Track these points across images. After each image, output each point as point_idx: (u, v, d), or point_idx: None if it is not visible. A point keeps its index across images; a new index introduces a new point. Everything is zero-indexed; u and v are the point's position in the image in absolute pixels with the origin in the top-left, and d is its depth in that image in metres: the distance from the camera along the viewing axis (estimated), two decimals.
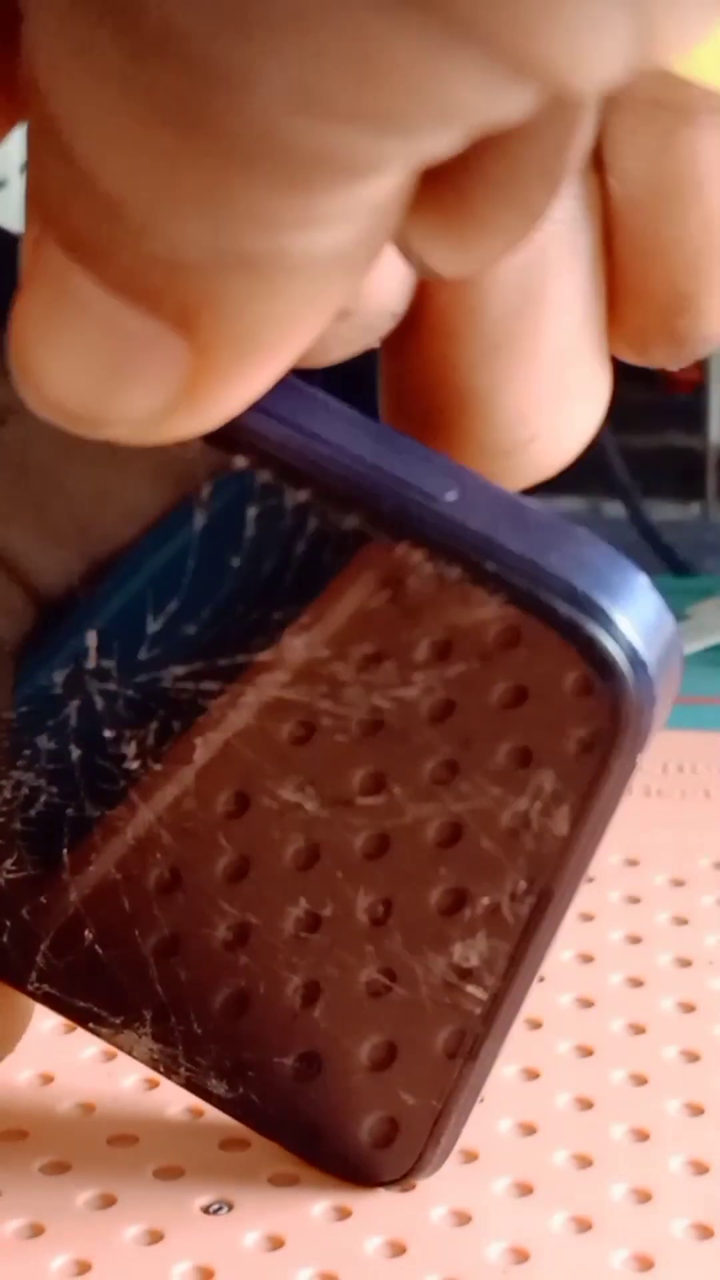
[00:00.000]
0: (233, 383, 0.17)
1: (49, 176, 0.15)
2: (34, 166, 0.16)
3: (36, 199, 0.16)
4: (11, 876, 0.24)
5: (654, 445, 0.65)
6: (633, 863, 0.36)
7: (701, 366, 0.60)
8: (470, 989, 0.23)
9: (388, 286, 0.21)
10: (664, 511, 0.62)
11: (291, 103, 0.14)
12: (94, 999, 0.25)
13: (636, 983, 0.32)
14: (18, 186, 0.57)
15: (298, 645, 0.21)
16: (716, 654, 0.49)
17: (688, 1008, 0.31)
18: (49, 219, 0.16)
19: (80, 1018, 0.25)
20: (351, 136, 0.14)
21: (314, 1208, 0.25)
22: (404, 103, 0.14)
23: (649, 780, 0.40)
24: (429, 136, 0.14)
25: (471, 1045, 0.23)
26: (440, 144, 0.14)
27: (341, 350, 0.21)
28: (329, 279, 0.16)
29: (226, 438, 0.20)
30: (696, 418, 0.60)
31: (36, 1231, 0.25)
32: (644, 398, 0.66)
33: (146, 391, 0.16)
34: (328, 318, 0.16)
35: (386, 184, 0.15)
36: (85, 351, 0.16)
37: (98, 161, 0.15)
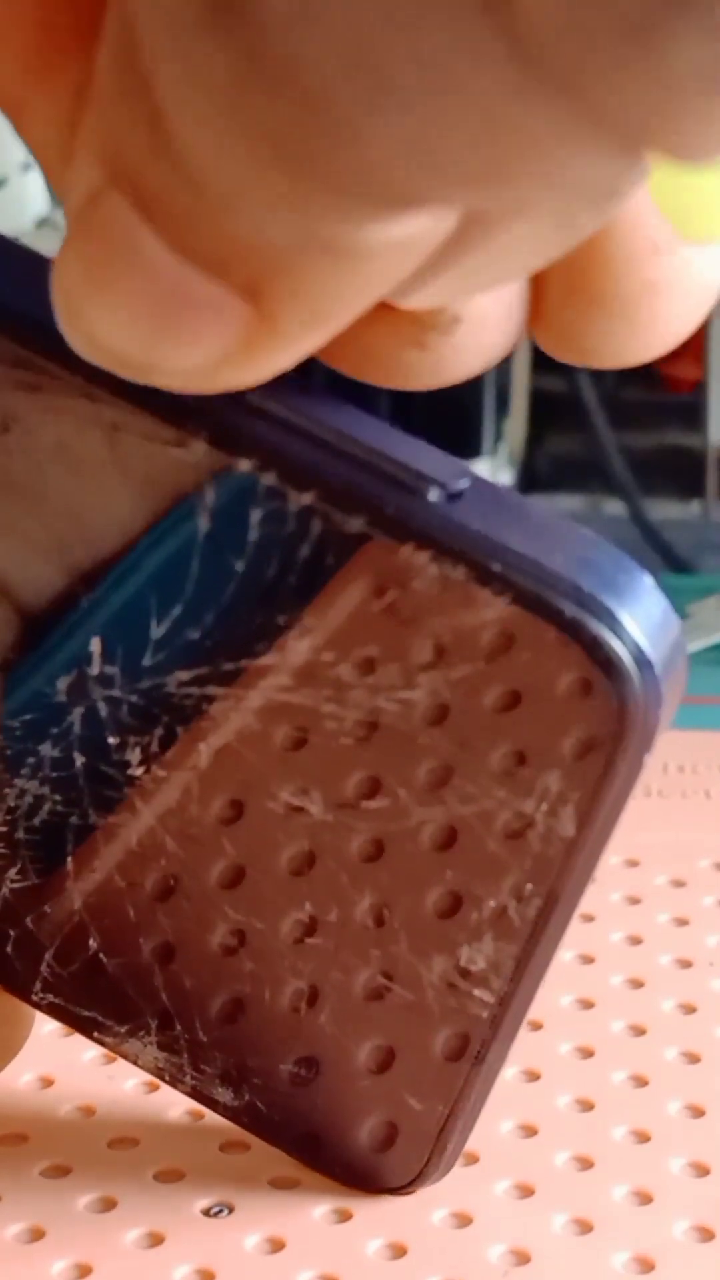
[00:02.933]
0: (290, 347, 0.17)
1: (131, 134, 0.15)
2: (108, 117, 0.15)
3: (106, 148, 0.16)
4: (15, 886, 0.24)
5: (654, 444, 0.65)
6: (633, 863, 0.36)
7: (702, 365, 0.60)
8: (477, 992, 0.23)
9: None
10: (664, 510, 0.62)
11: (402, 157, 0.14)
12: (99, 1008, 0.25)
13: (637, 984, 0.32)
14: (17, 184, 0.57)
15: (301, 648, 0.21)
16: (717, 653, 0.49)
17: (688, 1009, 0.31)
18: (121, 173, 0.16)
19: (85, 1027, 0.25)
20: (455, 191, 0.15)
21: (315, 1210, 0.25)
22: (519, 171, 0.14)
23: (649, 780, 0.40)
24: (534, 196, 0.15)
25: (479, 1049, 0.23)
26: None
27: (460, 369, 0.21)
28: (407, 262, 0.16)
29: (230, 440, 0.20)
30: (696, 416, 0.60)
31: (37, 1235, 0.25)
32: (644, 396, 0.66)
33: (200, 348, 0.16)
34: (386, 291, 0.16)
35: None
36: (143, 304, 0.16)
37: (193, 147, 0.14)
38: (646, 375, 0.66)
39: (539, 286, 0.20)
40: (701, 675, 0.49)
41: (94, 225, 0.16)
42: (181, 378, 0.17)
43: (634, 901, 0.35)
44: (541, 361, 0.61)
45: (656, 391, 0.67)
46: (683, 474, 0.63)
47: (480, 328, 0.20)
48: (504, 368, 0.59)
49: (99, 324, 0.16)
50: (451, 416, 0.58)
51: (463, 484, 0.20)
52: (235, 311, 0.16)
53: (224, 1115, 0.25)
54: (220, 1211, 0.25)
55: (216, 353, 0.16)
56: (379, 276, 0.16)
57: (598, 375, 0.62)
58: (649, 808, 0.39)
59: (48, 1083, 0.28)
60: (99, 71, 0.15)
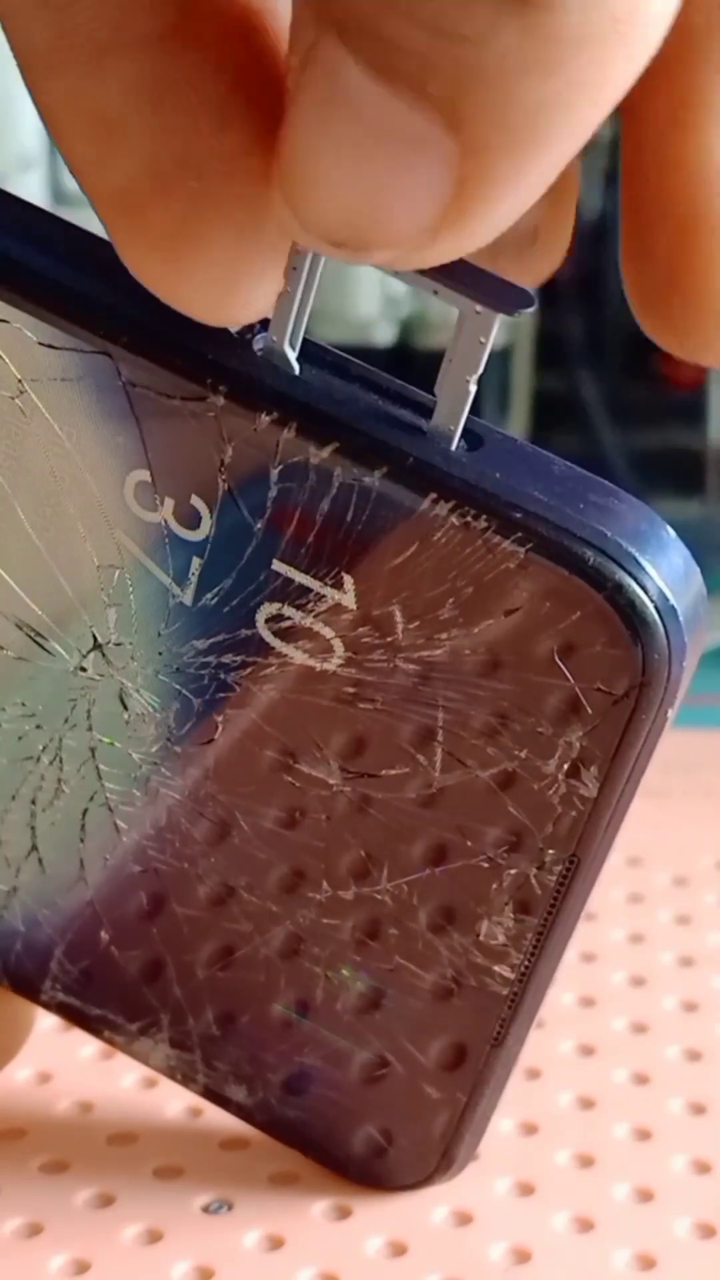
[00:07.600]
0: (501, 188, 0.16)
1: None
2: None
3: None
4: (27, 879, 0.24)
5: (654, 443, 0.65)
6: (635, 861, 0.36)
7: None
8: (497, 969, 0.22)
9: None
10: (664, 510, 0.62)
11: None
12: (110, 1005, 0.25)
13: (639, 981, 0.31)
14: (17, 183, 0.57)
15: (322, 609, 0.21)
16: (717, 654, 0.48)
17: (690, 1006, 0.31)
18: (323, 9, 0.16)
19: (95, 1027, 0.25)
20: None
21: (314, 1207, 0.25)
22: None
23: (650, 779, 0.40)
24: None
25: (497, 1031, 0.23)
26: None
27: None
28: (606, 49, 0.15)
29: (249, 395, 0.20)
30: (697, 416, 0.60)
31: (35, 1231, 0.24)
32: (645, 395, 0.66)
33: (415, 204, 0.16)
34: (603, 108, 0.16)
35: None
36: (356, 155, 0.16)
37: None
38: (648, 374, 0.66)
39: (641, 262, 0.20)
40: (702, 675, 0.49)
41: (307, 79, 0.16)
42: (397, 250, 0.17)
43: (636, 900, 0.34)
44: (543, 361, 0.61)
45: (658, 391, 0.66)
46: (683, 473, 0.63)
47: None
48: (505, 367, 0.58)
49: (316, 188, 0.16)
50: None
51: (481, 434, 0.20)
52: (441, 149, 0.16)
53: (236, 1114, 0.25)
54: (219, 1208, 0.25)
55: (431, 209, 0.16)
56: (582, 71, 0.15)
57: (600, 374, 0.62)
58: (650, 806, 0.38)
59: (46, 1078, 0.28)
60: None
